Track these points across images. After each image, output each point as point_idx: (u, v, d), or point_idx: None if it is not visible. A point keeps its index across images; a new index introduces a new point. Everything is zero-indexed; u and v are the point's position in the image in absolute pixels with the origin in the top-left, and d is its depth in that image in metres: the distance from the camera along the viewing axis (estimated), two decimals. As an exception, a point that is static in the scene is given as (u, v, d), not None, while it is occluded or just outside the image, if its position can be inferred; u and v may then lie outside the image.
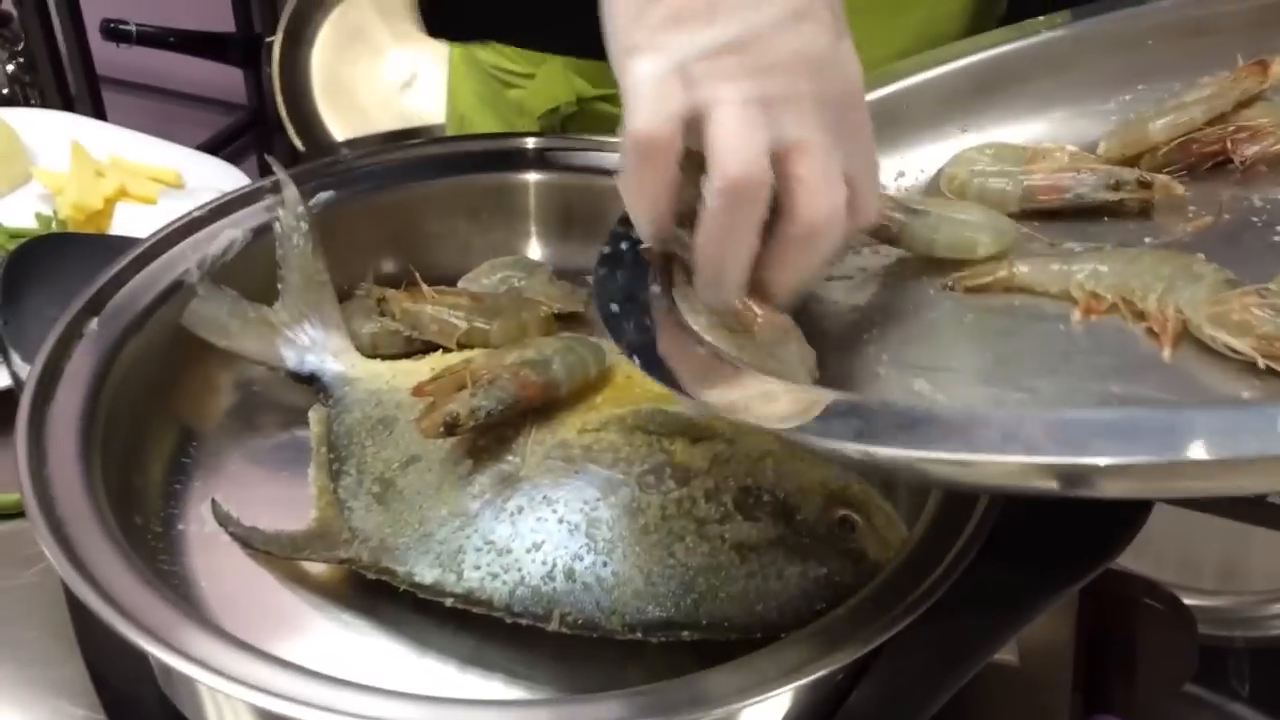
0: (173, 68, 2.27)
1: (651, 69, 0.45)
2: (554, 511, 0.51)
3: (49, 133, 0.96)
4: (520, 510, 0.51)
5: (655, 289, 0.50)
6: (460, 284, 0.69)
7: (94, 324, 0.57)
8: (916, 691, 0.47)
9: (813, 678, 0.43)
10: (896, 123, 0.62)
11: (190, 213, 0.64)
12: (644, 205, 0.47)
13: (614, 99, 0.81)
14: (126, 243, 0.64)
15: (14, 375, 0.57)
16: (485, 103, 0.91)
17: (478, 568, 0.50)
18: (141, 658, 0.51)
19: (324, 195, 0.68)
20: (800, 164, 0.44)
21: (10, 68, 2.09)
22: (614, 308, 0.50)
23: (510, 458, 0.54)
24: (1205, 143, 0.56)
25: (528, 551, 0.50)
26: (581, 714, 0.44)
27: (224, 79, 2.27)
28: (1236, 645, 1.21)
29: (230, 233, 0.64)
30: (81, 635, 0.54)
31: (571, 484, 0.52)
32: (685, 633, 0.49)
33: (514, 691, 0.50)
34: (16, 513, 0.67)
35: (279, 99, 1.97)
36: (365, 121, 2.01)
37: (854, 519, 0.51)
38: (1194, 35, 0.62)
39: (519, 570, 0.50)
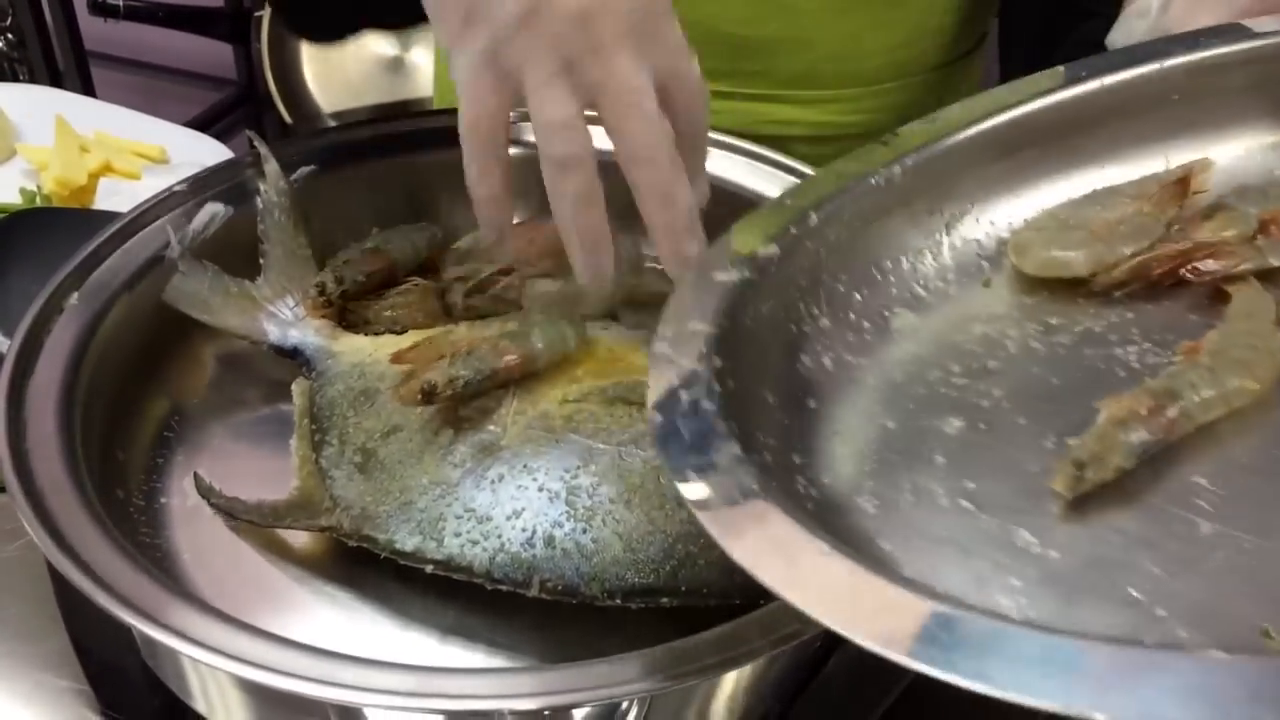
0: (161, 43, 2.26)
1: (466, 62, 0.49)
2: (534, 480, 0.51)
3: (34, 108, 0.96)
4: (500, 478, 0.52)
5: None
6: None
7: (74, 298, 0.57)
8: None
9: (792, 644, 0.44)
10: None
11: (171, 187, 0.64)
12: (484, 192, 0.53)
13: None
14: (108, 217, 0.64)
15: (-5, 350, 0.57)
16: None
17: (458, 535, 0.50)
18: (125, 631, 0.52)
19: (305, 169, 0.68)
20: (604, 105, 0.48)
21: (-1, 44, 2.08)
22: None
23: (491, 427, 0.54)
24: (1162, 261, 0.49)
25: (508, 519, 0.50)
26: (562, 680, 0.44)
27: (213, 55, 2.26)
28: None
29: (212, 207, 0.64)
30: (65, 609, 0.55)
31: (552, 453, 0.52)
32: (665, 599, 0.49)
33: (496, 661, 0.51)
34: None
35: (268, 74, 1.97)
36: (355, 98, 2.01)
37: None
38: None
39: (499, 537, 0.50)
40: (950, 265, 0.52)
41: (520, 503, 0.51)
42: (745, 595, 0.49)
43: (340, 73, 2.00)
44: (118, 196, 0.80)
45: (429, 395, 0.53)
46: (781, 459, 0.43)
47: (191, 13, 2.04)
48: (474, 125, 0.51)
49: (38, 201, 0.86)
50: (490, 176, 0.52)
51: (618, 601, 0.49)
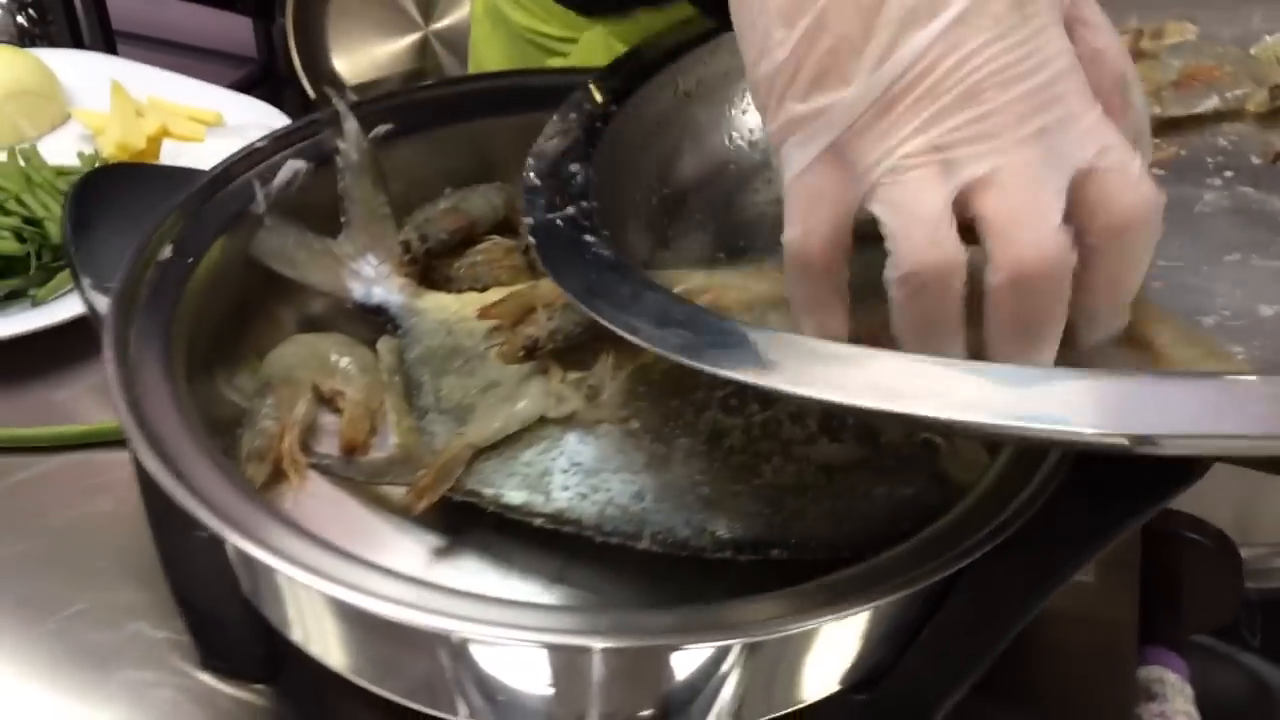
0: (179, 20, 2.25)
1: (803, 155, 0.39)
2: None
3: (86, 74, 0.95)
4: (604, 432, 0.51)
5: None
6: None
7: (167, 250, 0.57)
8: (1004, 609, 0.48)
9: (904, 594, 0.44)
10: None
11: (254, 144, 0.64)
12: (814, 327, 0.41)
13: None
14: (189, 174, 0.64)
15: (87, 302, 0.57)
16: (512, 63, 0.90)
17: (565, 489, 0.50)
18: (229, 579, 0.52)
19: (383, 128, 0.67)
20: (985, 202, 0.37)
21: (20, 19, 2.07)
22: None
23: (590, 383, 0.54)
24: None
25: (615, 472, 0.50)
26: (670, 621, 0.43)
27: (233, 31, 2.25)
28: (1248, 596, 1.22)
29: (294, 163, 0.64)
30: (167, 559, 0.54)
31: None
32: (774, 551, 0.49)
33: (599, 609, 0.51)
34: (77, 443, 0.67)
35: (293, 50, 1.96)
36: (379, 74, 2.00)
37: (936, 441, 0.51)
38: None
39: (607, 490, 0.50)
40: None
41: (626, 456, 0.51)
42: (852, 547, 0.49)
43: (365, 49, 1.99)
44: (182, 159, 0.80)
45: (531, 351, 0.53)
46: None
47: (215, -13, 2.04)
48: (803, 244, 0.40)
49: (96, 164, 0.86)
50: (831, 315, 0.41)
51: (727, 554, 0.49)
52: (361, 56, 1.99)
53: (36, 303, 0.74)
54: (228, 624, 0.55)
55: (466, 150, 0.71)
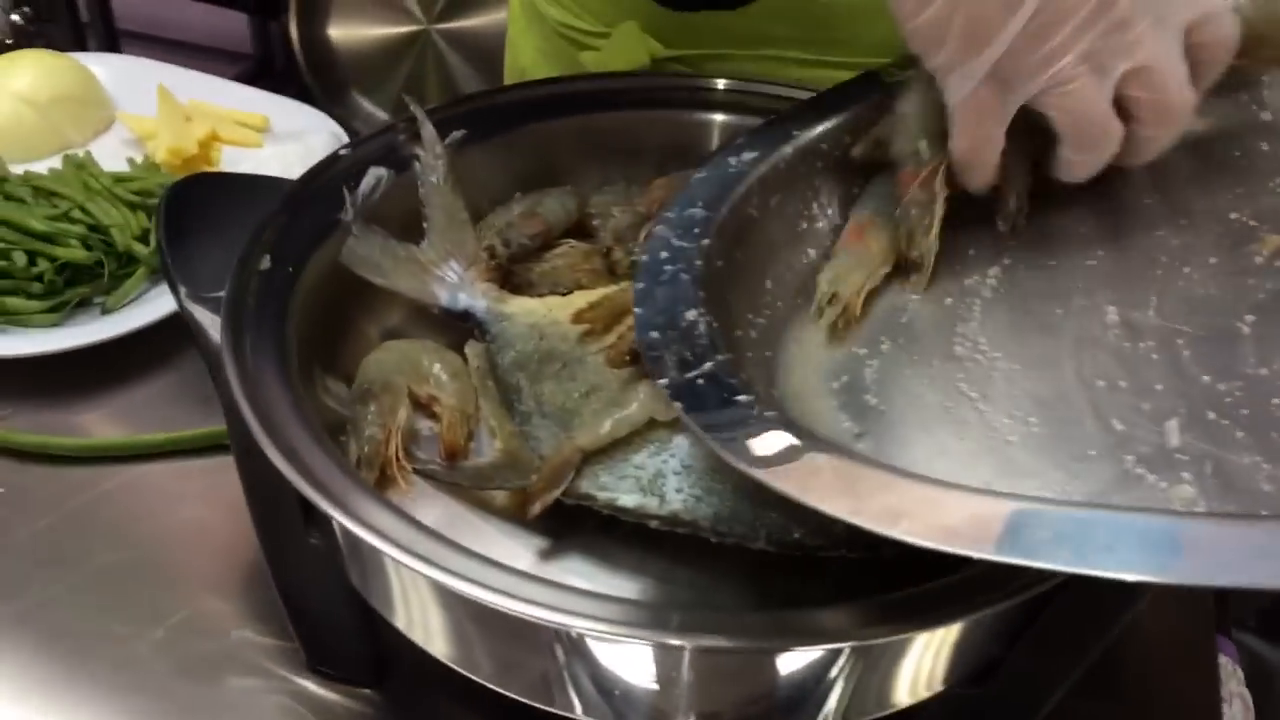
0: (174, 16, 2.23)
1: (967, 82, 0.49)
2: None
3: (126, 78, 0.95)
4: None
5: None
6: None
7: (266, 261, 0.58)
8: (1113, 596, 0.49)
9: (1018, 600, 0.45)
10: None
11: (336, 152, 0.65)
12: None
13: (688, 60, 0.82)
14: (273, 183, 0.64)
15: (186, 311, 0.57)
16: (548, 58, 0.91)
17: (679, 490, 0.52)
18: (339, 582, 0.53)
19: (458, 134, 0.68)
20: (1135, 86, 0.48)
21: (15, 17, 2.05)
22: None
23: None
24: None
25: (728, 473, 0.51)
26: (787, 624, 0.45)
27: (229, 27, 2.24)
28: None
29: (376, 171, 0.65)
30: (276, 565, 0.55)
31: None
32: (886, 548, 0.51)
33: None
34: (169, 450, 0.68)
35: (296, 47, 1.96)
36: (383, 71, 2.00)
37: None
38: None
39: (722, 492, 0.51)
40: None
41: (740, 457, 0.52)
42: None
43: (369, 46, 1.99)
44: (243, 165, 0.80)
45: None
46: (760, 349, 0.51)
47: (219, -16, 2.02)
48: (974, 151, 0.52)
49: (151, 171, 0.86)
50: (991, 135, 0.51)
51: (843, 552, 0.51)
52: (366, 56, 1.99)
53: (107, 310, 0.74)
54: (338, 628, 0.56)
55: (533, 154, 0.72)
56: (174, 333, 0.74)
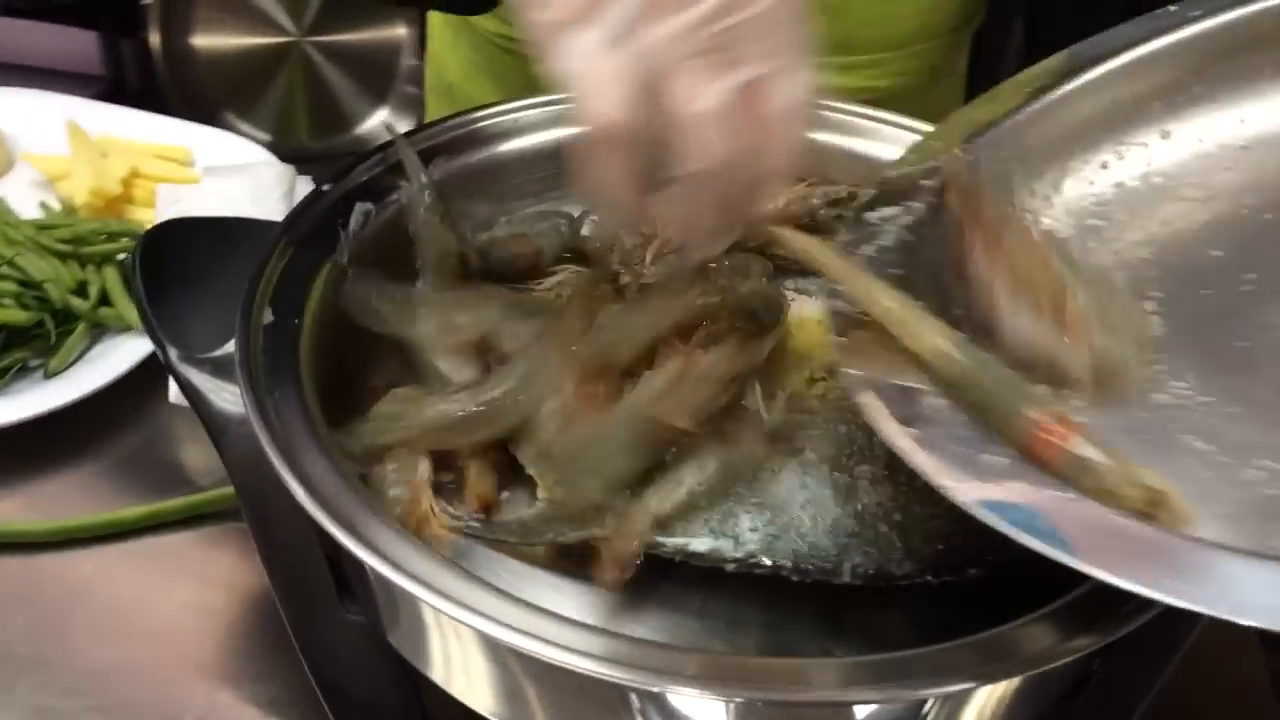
0: (17, 40, 2.09)
1: (587, 45, 0.42)
2: (816, 466, 0.50)
3: (23, 114, 0.87)
4: (781, 468, 0.50)
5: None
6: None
7: (268, 314, 0.53)
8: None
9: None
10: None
11: (319, 189, 0.60)
12: (614, 198, 0.44)
13: None
14: (250, 225, 0.60)
15: (180, 376, 0.52)
16: (482, 72, 0.87)
17: (754, 529, 0.49)
18: (383, 659, 0.49)
19: (441, 159, 0.64)
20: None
21: None
22: None
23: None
24: None
25: (802, 508, 0.49)
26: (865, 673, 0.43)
27: (74, 48, 2.10)
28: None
29: (362, 206, 0.60)
30: (309, 646, 0.50)
31: (823, 436, 0.51)
32: (972, 570, 0.49)
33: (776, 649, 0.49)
34: (148, 526, 0.62)
35: (160, 67, 1.85)
36: (253, 87, 1.90)
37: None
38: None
39: (799, 528, 0.49)
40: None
41: (811, 491, 0.50)
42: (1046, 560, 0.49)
43: (238, 61, 1.89)
44: (181, 205, 0.74)
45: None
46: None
47: (74, 4, 1.89)
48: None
49: (71, 214, 0.78)
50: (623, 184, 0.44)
51: (929, 579, 0.49)
52: (232, 68, 1.89)
53: (50, 373, 0.67)
54: (382, 709, 0.51)
55: (517, 176, 0.68)
56: (123, 392, 0.67)
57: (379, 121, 1.91)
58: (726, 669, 0.42)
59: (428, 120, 0.94)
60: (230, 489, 0.61)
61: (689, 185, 0.42)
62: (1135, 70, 0.59)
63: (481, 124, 0.67)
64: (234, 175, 0.74)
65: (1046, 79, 0.58)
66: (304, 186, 0.79)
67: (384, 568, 0.42)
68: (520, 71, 0.83)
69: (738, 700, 0.41)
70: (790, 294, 0.61)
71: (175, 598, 0.58)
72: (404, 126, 1.95)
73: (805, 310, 0.58)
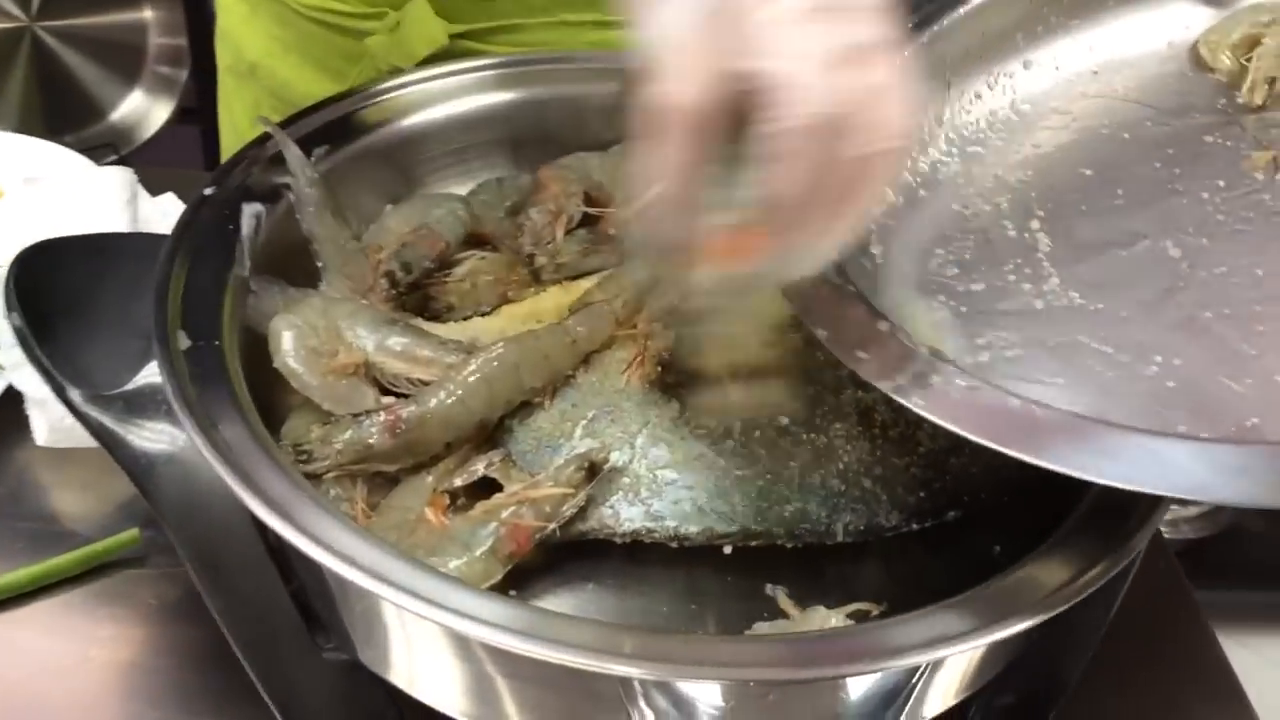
0: None
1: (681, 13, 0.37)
2: (796, 433, 0.50)
3: None
4: (757, 440, 0.50)
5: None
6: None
7: (183, 339, 0.47)
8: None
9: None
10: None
11: (202, 193, 0.54)
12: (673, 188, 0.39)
13: (477, 34, 0.76)
14: (123, 241, 0.54)
15: (85, 417, 0.46)
16: (290, 48, 0.81)
17: (747, 505, 0.48)
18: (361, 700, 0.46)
19: (320, 150, 0.59)
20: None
21: None
22: None
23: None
24: None
25: (787, 475, 0.49)
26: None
27: None
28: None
29: (251, 208, 0.55)
30: (276, 693, 0.46)
31: (792, 398, 0.51)
32: (951, 513, 0.50)
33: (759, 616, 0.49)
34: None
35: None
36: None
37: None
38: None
39: (789, 498, 0.49)
40: None
41: (798, 459, 0.49)
42: (1010, 490, 0.51)
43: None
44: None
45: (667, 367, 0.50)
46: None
47: None
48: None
49: None
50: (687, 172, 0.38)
51: (912, 526, 0.50)
52: None
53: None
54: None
55: (397, 159, 0.64)
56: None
57: (134, 108, 1.77)
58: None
59: (221, 107, 0.89)
60: (129, 532, 0.56)
61: (786, 143, 0.36)
62: (1001, 4, 0.61)
63: (361, 108, 0.62)
64: (61, 185, 0.66)
65: (921, 16, 0.60)
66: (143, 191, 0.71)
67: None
68: (336, 46, 0.77)
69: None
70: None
71: (92, 661, 0.52)
72: (161, 110, 1.84)
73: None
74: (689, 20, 0.37)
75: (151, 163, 0.70)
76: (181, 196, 0.73)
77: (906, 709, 0.45)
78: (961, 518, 0.51)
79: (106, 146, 1.59)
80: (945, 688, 0.47)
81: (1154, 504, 0.45)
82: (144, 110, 1.80)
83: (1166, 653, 0.57)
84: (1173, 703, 0.55)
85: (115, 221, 0.64)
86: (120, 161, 0.81)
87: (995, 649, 0.46)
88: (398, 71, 0.70)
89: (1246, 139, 0.53)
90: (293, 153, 0.57)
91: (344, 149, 0.61)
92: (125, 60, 1.77)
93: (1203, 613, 0.59)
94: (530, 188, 0.63)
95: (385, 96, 0.64)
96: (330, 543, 0.41)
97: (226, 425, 0.44)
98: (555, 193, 0.61)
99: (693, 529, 0.48)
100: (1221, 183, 0.51)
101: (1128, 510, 0.45)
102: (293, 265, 0.56)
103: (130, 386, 0.47)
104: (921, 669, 0.44)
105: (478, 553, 0.46)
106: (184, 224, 0.52)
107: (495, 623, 0.39)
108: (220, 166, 0.56)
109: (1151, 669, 0.56)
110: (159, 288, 0.49)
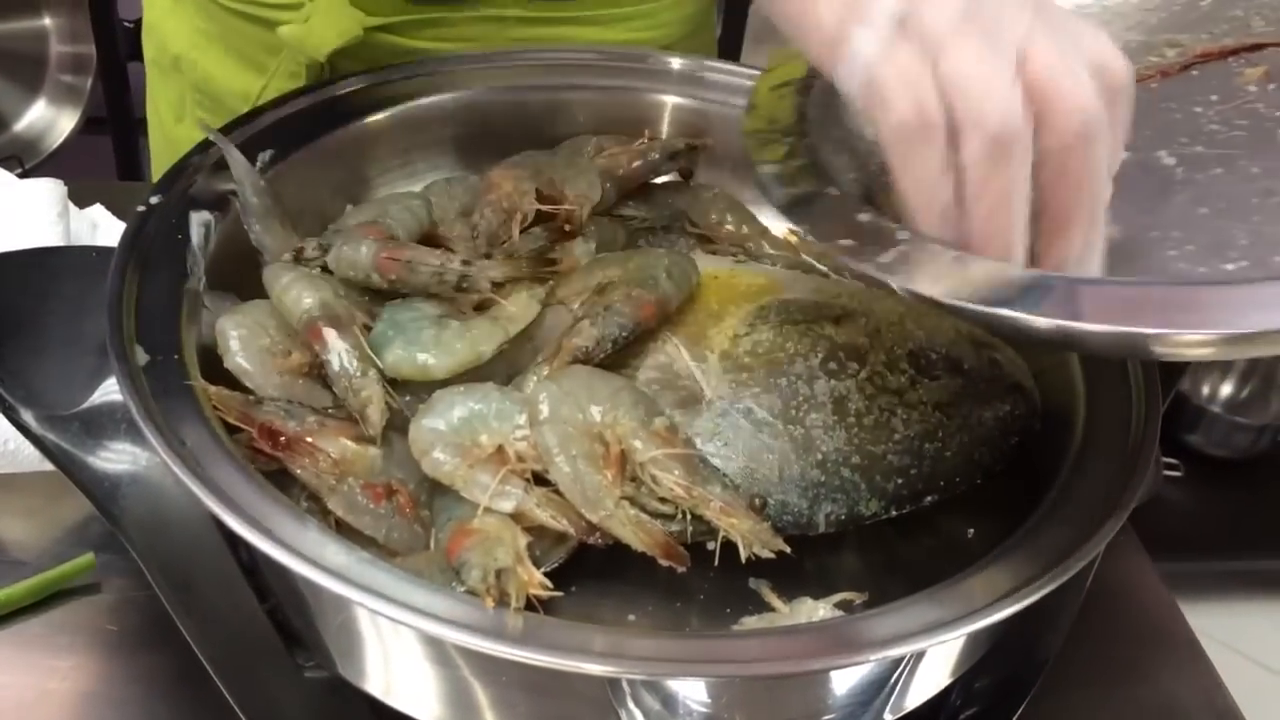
0: None
1: (871, 42, 0.40)
2: (770, 424, 0.50)
3: None
4: (735, 431, 0.49)
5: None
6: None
7: (141, 355, 0.45)
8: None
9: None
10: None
11: (147, 201, 0.52)
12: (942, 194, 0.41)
13: (397, 27, 0.75)
14: (64, 256, 0.51)
15: (47, 440, 0.44)
16: (213, 40, 0.79)
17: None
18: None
19: (266, 155, 0.57)
20: (1041, 69, 0.40)
21: None
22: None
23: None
24: None
25: (772, 468, 0.49)
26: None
27: None
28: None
29: (199, 216, 0.53)
30: (241, 697, 0.44)
31: (768, 391, 0.50)
32: (927, 498, 0.51)
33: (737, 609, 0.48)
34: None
35: None
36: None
37: (997, 355, 0.55)
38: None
39: (772, 489, 0.48)
40: None
41: (774, 451, 0.49)
42: (983, 474, 0.52)
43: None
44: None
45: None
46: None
47: None
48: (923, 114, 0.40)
49: None
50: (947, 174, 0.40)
51: (891, 513, 0.50)
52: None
53: None
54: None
55: (350, 159, 0.62)
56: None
57: (37, 118, 1.71)
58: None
59: (148, 102, 0.86)
60: (85, 557, 0.54)
61: (986, 155, 0.39)
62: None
63: (302, 106, 0.61)
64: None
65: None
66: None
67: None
68: (258, 39, 0.76)
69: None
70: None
71: (52, 695, 0.50)
72: (66, 118, 1.78)
73: (705, 267, 0.57)
74: (880, 45, 0.40)
75: (58, 174, 0.67)
76: (109, 207, 0.70)
77: (893, 699, 0.46)
78: (936, 503, 0.51)
79: (11, 159, 1.53)
80: (932, 674, 0.47)
81: (1132, 472, 0.45)
82: (49, 120, 1.74)
83: (1134, 625, 0.59)
84: (1143, 675, 0.57)
85: (47, 236, 0.62)
86: (26, 174, 0.77)
87: (983, 633, 0.46)
88: (338, 71, 0.68)
89: (1239, 58, 0.54)
90: (236, 159, 0.55)
91: (291, 154, 0.60)
92: (26, 69, 1.71)
93: (1164, 582, 0.61)
94: (479, 188, 0.62)
95: (329, 96, 0.63)
96: (307, 552, 0.39)
97: (193, 440, 0.42)
98: (508, 191, 0.60)
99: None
100: (1215, 97, 0.51)
101: (1110, 488, 0.45)
102: (246, 275, 0.54)
103: (86, 405, 0.45)
104: (907, 659, 0.44)
105: None
106: (132, 235, 0.50)
107: (480, 628, 0.38)
108: (164, 174, 0.54)
109: (1121, 644, 0.58)
110: (112, 302, 0.47)
